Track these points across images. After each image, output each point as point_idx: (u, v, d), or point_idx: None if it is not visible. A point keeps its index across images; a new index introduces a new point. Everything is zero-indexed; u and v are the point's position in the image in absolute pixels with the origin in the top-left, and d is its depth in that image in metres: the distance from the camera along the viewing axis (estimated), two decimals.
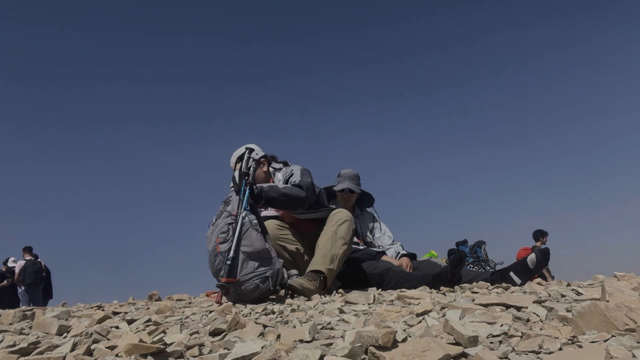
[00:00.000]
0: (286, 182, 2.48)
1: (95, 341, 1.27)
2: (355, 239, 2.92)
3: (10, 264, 8.32)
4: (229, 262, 1.93)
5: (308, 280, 2.08)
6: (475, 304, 1.39)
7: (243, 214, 2.06)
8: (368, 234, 3.13)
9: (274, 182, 2.56)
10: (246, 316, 1.58)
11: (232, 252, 1.95)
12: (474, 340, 0.95)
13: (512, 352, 0.91)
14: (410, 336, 1.07)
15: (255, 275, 1.93)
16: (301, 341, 1.10)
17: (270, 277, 1.95)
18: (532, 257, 2.21)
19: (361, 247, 2.87)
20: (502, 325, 1.11)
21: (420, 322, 1.22)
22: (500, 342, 0.99)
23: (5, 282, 8.21)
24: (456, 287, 2.03)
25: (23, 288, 8.00)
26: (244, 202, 2.12)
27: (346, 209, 2.78)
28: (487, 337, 1.01)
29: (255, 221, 2.07)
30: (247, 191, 2.16)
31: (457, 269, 2.10)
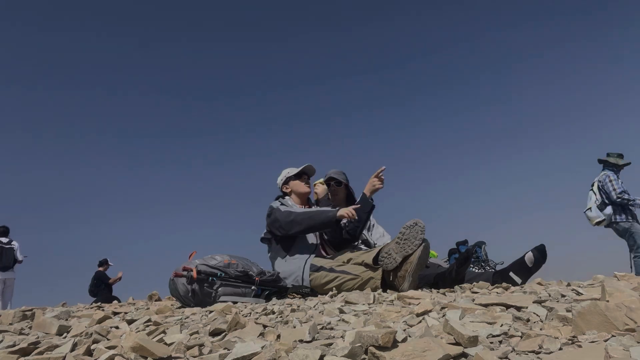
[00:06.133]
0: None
1: (95, 341, 1.27)
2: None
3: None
4: None
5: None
6: (475, 304, 1.39)
7: None
8: (365, 232, 3.13)
9: None
10: (246, 316, 1.59)
11: None
12: (474, 340, 0.95)
13: (512, 352, 0.90)
14: (410, 336, 1.07)
15: None
16: (301, 341, 1.10)
17: None
18: (529, 255, 2.21)
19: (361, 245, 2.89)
20: (502, 325, 1.11)
21: (420, 322, 1.22)
22: (500, 342, 0.99)
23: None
24: (456, 287, 2.03)
25: None
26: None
27: (336, 204, 2.90)
28: (487, 337, 1.01)
29: None
30: None
31: (464, 266, 2.11)
